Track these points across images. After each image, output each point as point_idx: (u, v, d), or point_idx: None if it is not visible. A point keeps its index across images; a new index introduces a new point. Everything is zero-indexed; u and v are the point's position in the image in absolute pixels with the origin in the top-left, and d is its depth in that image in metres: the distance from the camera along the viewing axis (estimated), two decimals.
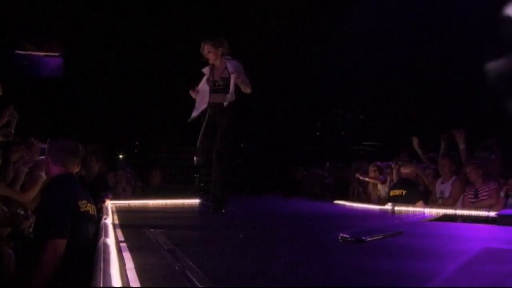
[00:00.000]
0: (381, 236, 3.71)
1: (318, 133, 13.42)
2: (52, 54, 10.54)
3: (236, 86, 5.69)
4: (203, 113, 5.87)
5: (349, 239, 3.50)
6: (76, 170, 4.03)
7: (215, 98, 5.80)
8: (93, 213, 3.88)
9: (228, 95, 5.65)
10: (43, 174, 4.66)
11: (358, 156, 11.51)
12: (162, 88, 11.15)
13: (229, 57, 5.79)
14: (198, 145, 5.91)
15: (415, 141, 7.24)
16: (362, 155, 11.84)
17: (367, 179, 7.78)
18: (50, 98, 10.14)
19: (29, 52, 10.41)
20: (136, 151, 11.47)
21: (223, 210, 5.62)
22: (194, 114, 5.96)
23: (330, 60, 10.47)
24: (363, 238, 3.51)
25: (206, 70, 5.90)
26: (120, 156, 9.69)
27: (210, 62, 5.79)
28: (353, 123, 13.86)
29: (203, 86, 5.94)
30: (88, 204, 3.81)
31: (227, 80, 5.69)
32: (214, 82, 5.77)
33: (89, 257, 3.36)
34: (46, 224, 3.61)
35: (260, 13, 10.67)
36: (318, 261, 3.04)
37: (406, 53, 11.42)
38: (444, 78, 11.12)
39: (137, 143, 11.68)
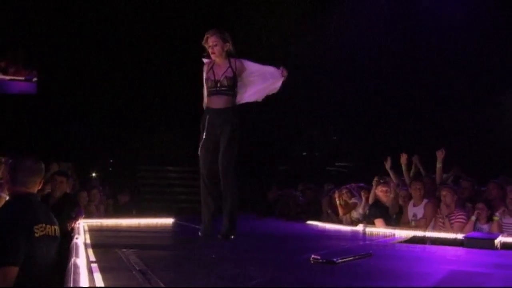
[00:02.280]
0: (351, 258, 3.74)
1: (292, 154, 13.47)
2: (20, 78, 10.40)
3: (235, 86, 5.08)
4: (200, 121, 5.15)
5: (321, 260, 3.51)
6: (37, 189, 3.85)
7: (216, 102, 5.04)
8: (53, 234, 3.70)
9: (237, 97, 5.07)
10: (3, 195, 4.39)
11: (331, 176, 11.61)
12: (136, 108, 11.11)
13: (233, 57, 5.13)
14: (202, 170, 5.12)
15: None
16: (335, 175, 11.94)
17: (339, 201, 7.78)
18: (22, 115, 10.01)
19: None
20: (110, 169, 11.34)
21: (232, 237, 5.00)
22: None
23: (304, 83, 10.57)
24: (334, 259, 3.53)
25: (207, 66, 5.17)
26: (93, 174, 9.58)
27: (214, 57, 5.07)
28: (326, 145, 13.96)
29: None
30: (47, 226, 3.63)
31: (232, 80, 5.00)
32: (216, 82, 5.02)
33: (48, 280, 3.31)
34: None
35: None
36: (290, 283, 3.04)
37: (378, 78, 11.62)
38: (414, 102, 11.32)
39: (111, 161, 11.56)
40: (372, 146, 11.67)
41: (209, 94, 5.10)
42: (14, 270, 3.38)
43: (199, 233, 5.17)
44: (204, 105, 5.22)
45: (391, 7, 11.65)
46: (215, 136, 5.03)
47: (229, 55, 5.09)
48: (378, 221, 6.57)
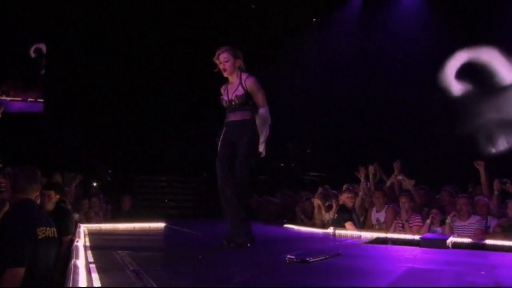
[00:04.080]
0: (323, 258, 3.73)
1: (271, 165, 13.46)
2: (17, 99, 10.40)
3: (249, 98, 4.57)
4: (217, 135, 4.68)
5: (295, 260, 3.51)
6: (35, 195, 3.75)
7: (232, 117, 4.61)
8: (53, 235, 3.61)
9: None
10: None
11: (305, 184, 11.63)
12: (133, 124, 11.06)
13: (244, 73, 4.61)
14: (219, 175, 4.53)
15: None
16: (309, 184, 11.94)
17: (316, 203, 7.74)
18: (29, 130, 9.92)
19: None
20: (109, 179, 11.22)
21: (248, 245, 4.47)
22: None
23: (282, 105, 10.62)
24: (307, 259, 3.52)
25: (223, 89, 4.71)
26: (94, 184, 9.46)
27: (225, 74, 4.59)
28: (301, 156, 13.98)
29: None
30: (48, 229, 3.54)
31: (242, 98, 4.51)
32: (230, 102, 4.58)
33: (49, 281, 3.23)
34: (5, 252, 3.31)
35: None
36: (267, 281, 3.02)
37: (347, 100, 11.74)
38: (377, 119, 11.44)
39: (110, 171, 11.43)
40: (341, 158, 11.74)
41: (227, 112, 4.67)
42: (21, 271, 3.31)
43: (224, 241, 4.54)
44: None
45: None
46: (231, 148, 4.54)
47: (240, 72, 4.60)
48: (348, 224, 6.57)
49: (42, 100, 10.43)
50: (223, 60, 4.55)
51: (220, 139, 4.61)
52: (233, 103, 4.55)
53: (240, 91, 4.53)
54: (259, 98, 4.55)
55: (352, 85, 11.86)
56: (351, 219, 6.66)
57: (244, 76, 4.55)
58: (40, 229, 3.50)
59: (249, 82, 4.52)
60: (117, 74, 10.76)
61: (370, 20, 11.90)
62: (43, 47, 10.56)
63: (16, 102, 10.26)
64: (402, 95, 10.85)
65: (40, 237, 3.47)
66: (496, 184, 6.26)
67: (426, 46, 10.88)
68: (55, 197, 5.27)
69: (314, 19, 12.76)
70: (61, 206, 5.52)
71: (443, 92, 10.43)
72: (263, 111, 4.59)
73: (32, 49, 10.51)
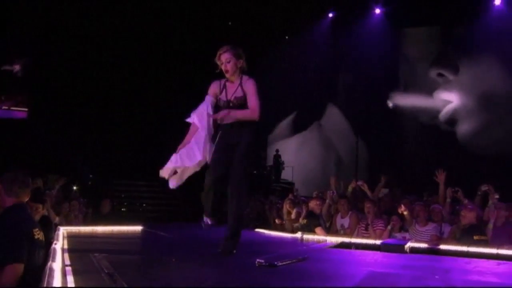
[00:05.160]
0: (290, 261, 3.71)
1: None
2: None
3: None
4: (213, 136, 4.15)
5: (264, 263, 3.47)
6: (26, 200, 3.65)
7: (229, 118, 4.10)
8: (42, 238, 3.55)
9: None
10: None
11: (276, 191, 11.63)
12: (112, 131, 10.93)
13: (245, 75, 4.16)
14: (207, 181, 4.03)
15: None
16: (279, 190, 11.95)
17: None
18: (14, 136, 9.71)
19: None
20: (89, 183, 10.99)
21: (234, 251, 4.07)
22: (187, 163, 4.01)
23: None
24: (275, 263, 3.49)
25: (214, 87, 4.19)
26: (75, 188, 9.24)
27: (227, 75, 4.12)
28: (274, 164, 14.00)
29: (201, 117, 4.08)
30: (40, 232, 3.48)
31: (241, 100, 4.06)
32: (228, 103, 4.09)
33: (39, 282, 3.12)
34: (5, 249, 3.24)
35: None
36: (238, 283, 2.99)
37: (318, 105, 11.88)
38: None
39: (91, 176, 11.22)
40: (309, 166, 11.82)
41: None
42: (21, 267, 3.23)
43: (202, 225, 4.18)
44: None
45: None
46: (228, 153, 4.05)
47: (242, 72, 4.16)
48: (318, 229, 6.53)
49: (26, 109, 10.32)
50: (225, 60, 4.09)
51: (215, 142, 4.11)
52: (231, 104, 4.09)
53: (240, 93, 4.08)
54: (252, 101, 4.05)
55: (321, 97, 12.01)
56: (320, 225, 6.65)
57: (245, 78, 4.13)
58: (35, 230, 3.44)
59: (248, 84, 4.09)
60: (98, 83, 10.67)
61: (337, 38, 12.09)
62: (26, 62, 10.44)
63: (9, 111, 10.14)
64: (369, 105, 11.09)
65: (35, 237, 3.41)
66: (448, 192, 6.37)
67: (387, 59, 11.18)
68: (42, 210, 5.13)
69: (286, 37, 12.88)
70: (45, 216, 5.41)
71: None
72: (250, 111, 4.06)
73: (16, 65, 10.41)
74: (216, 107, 4.17)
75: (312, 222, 6.62)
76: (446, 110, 11.52)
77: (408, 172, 10.39)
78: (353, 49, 11.70)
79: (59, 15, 10.18)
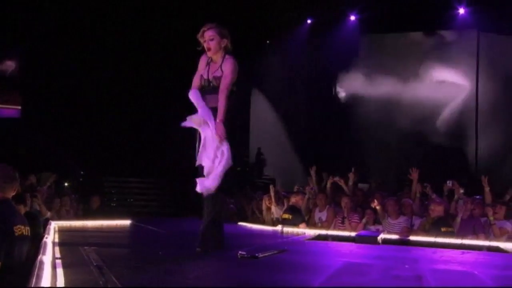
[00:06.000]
0: (270, 253, 3.71)
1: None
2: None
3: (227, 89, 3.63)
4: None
5: (246, 255, 3.46)
6: (12, 195, 3.46)
7: (209, 101, 3.67)
8: (27, 234, 3.34)
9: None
10: None
11: (258, 186, 11.64)
12: (104, 129, 10.79)
13: (229, 55, 3.73)
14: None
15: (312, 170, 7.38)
16: (262, 185, 11.95)
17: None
18: (7, 133, 9.53)
19: None
20: (80, 179, 10.84)
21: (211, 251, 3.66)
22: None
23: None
24: (257, 254, 3.49)
25: (202, 62, 3.81)
26: (66, 184, 9.09)
27: (209, 54, 3.71)
28: (257, 161, 14.00)
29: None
30: (22, 227, 3.28)
31: (220, 80, 3.65)
32: (209, 82, 3.70)
33: (22, 276, 3.04)
34: None
35: None
36: (220, 275, 2.98)
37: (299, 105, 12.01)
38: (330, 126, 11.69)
39: (82, 172, 11.07)
40: (290, 162, 11.90)
41: (203, 93, 3.72)
42: None
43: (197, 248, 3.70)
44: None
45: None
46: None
47: (225, 53, 3.73)
48: (303, 225, 6.47)
49: (19, 107, 10.11)
50: (208, 38, 3.67)
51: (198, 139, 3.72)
52: (211, 84, 3.69)
53: (219, 73, 3.67)
54: (223, 83, 3.62)
55: (302, 98, 12.08)
56: (304, 221, 6.62)
57: (226, 57, 3.70)
58: (16, 227, 3.26)
59: (226, 63, 3.66)
60: (89, 82, 10.54)
61: (315, 43, 12.16)
62: (16, 62, 10.29)
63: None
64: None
65: (16, 234, 3.24)
66: (418, 187, 6.44)
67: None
68: (23, 209, 4.98)
69: (267, 41, 12.89)
70: (28, 211, 5.25)
71: None
72: (224, 95, 3.61)
73: (7, 64, 10.25)
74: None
75: (297, 218, 6.58)
76: None
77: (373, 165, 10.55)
78: (326, 53, 11.83)
79: (53, 13, 9.99)
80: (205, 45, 3.71)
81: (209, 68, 3.75)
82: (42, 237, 4.24)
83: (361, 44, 11.92)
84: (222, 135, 3.57)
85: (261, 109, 12.65)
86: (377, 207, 6.04)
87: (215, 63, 3.74)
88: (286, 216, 6.71)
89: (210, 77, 3.71)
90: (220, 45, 3.70)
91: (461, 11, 10.52)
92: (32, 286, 2.06)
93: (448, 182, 6.29)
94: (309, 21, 12.11)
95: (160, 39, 10.71)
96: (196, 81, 3.81)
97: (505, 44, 10.47)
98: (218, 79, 3.67)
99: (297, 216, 6.64)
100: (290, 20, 11.72)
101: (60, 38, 10.18)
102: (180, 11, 10.44)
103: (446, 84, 11.31)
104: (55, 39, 10.14)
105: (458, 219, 5.66)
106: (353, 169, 7.09)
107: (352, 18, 11.58)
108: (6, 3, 9.58)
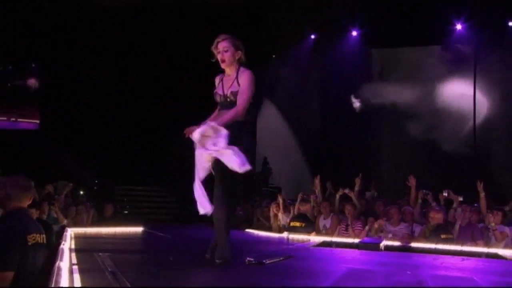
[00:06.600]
0: (277, 259, 3.70)
1: None
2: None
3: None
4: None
5: (253, 262, 3.45)
6: (28, 204, 3.43)
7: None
8: (42, 241, 3.30)
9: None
10: None
11: (264, 194, 11.61)
12: (117, 142, 10.90)
13: (242, 67, 3.46)
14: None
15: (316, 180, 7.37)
16: (267, 194, 11.93)
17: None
18: (26, 144, 9.64)
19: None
20: (95, 188, 10.92)
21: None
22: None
23: None
24: (264, 261, 3.47)
25: (217, 80, 3.56)
26: (81, 192, 9.14)
27: (223, 66, 3.46)
28: (263, 170, 14.01)
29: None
30: (37, 236, 3.24)
31: (237, 95, 3.36)
32: (225, 98, 3.42)
33: (36, 284, 3.04)
34: None
35: None
36: (228, 280, 2.97)
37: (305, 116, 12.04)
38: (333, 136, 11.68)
39: (96, 181, 11.15)
40: (296, 172, 11.86)
41: (220, 109, 3.49)
42: (10, 275, 3.06)
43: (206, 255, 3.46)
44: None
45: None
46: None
47: (239, 65, 3.48)
48: (313, 234, 6.36)
49: (38, 121, 10.33)
50: (222, 49, 3.43)
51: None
52: (228, 99, 3.40)
53: (236, 87, 3.38)
54: (240, 98, 3.33)
55: (307, 110, 12.10)
56: (314, 230, 6.55)
57: (241, 70, 3.43)
58: (30, 236, 3.23)
59: (243, 76, 3.39)
60: (102, 97, 10.69)
61: (319, 57, 12.21)
62: (37, 79, 10.48)
63: (17, 122, 10.19)
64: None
65: (30, 244, 3.21)
66: (420, 194, 6.39)
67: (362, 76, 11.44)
68: (35, 213, 4.96)
69: (273, 56, 12.95)
70: (42, 220, 5.22)
71: None
72: (233, 110, 3.33)
73: (30, 81, 10.47)
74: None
75: (309, 226, 6.50)
76: None
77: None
78: (329, 67, 11.87)
79: (70, 29, 10.16)
80: (219, 57, 3.46)
81: (222, 83, 3.48)
82: (57, 244, 4.25)
83: (366, 57, 11.93)
84: (215, 124, 3.22)
85: (268, 119, 12.64)
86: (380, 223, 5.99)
87: (229, 77, 3.47)
88: (297, 224, 6.59)
89: (227, 93, 3.41)
90: (234, 57, 3.45)
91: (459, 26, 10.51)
92: None
93: (444, 192, 6.27)
94: (312, 37, 12.16)
95: (175, 55, 10.80)
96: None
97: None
98: (236, 93, 3.37)
99: (309, 224, 6.59)
100: (293, 36, 11.77)
101: (76, 53, 10.34)
102: (186, 28, 10.52)
103: (463, 97, 11.09)
104: (72, 54, 10.30)
105: (457, 226, 5.62)
106: (360, 175, 7.07)
107: (354, 33, 11.62)
108: (24, 22, 9.75)
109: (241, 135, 3.33)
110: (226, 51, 3.42)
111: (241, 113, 3.33)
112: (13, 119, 10.13)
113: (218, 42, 3.46)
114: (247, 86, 3.37)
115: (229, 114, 3.32)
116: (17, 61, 10.16)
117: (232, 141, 3.19)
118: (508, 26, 10.01)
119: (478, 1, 9.55)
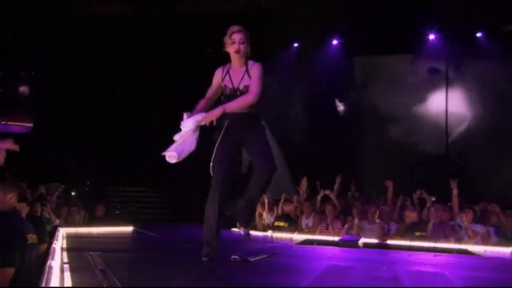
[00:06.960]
0: (261, 257, 3.70)
1: None
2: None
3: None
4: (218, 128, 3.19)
5: (238, 259, 3.45)
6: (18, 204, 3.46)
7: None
8: (36, 242, 3.33)
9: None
10: None
11: None
12: (108, 143, 10.77)
13: (251, 60, 3.29)
14: (218, 178, 3.19)
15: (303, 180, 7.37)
16: None
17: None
18: (21, 149, 9.50)
19: None
20: (87, 189, 10.78)
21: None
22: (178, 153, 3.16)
23: None
24: (248, 259, 3.48)
25: (217, 75, 3.34)
26: (73, 193, 9.01)
27: (237, 56, 3.24)
28: (248, 171, 14.02)
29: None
30: (33, 236, 3.27)
31: (249, 87, 3.19)
32: (235, 91, 3.23)
33: (32, 281, 3.00)
34: None
35: None
36: (215, 278, 2.97)
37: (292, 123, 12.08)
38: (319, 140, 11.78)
39: (88, 183, 11.01)
40: (279, 174, 11.86)
41: (227, 101, 3.25)
42: (11, 271, 3.04)
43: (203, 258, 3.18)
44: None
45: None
46: (235, 142, 3.23)
47: (247, 59, 3.30)
48: (296, 234, 6.38)
49: (31, 125, 10.19)
50: (239, 40, 3.22)
51: (221, 134, 3.17)
52: (238, 92, 3.22)
53: (248, 81, 3.21)
54: (253, 86, 3.16)
55: (290, 115, 12.13)
56: (297, 229, 6.56)
57: (250, 63, 3.27)
58: (29, 235, 3.24)
59: (253, 69, 3.22)
60: (93, 99, 10.58)
61: (302, 64, 12.27)
62: (29, 86, 10.41)
63: (9, 126, 10.04)
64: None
65: (29, 243, 3.21)
66: (414, 195, 6.36)
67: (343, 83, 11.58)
68: (26, 208, 4.89)
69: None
70: (34, 216, 5.15)
71: None
72: (248, 95, 3.17)
73: (22, 89, 10.34)
74: (217, 99, 3.37)
75: (292, 226, 6.52)
76: None
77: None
78: (311, 73, 11.94)
79: (64, 34, 10.02)
80: (234, 47, 3.23)
81: (230, 76, 3.27)
82: (50, 244, 4.19)
83: (348, 65, 12.03)
84: (208, 115, 3.14)
85: None
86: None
87: (238, 70, 3.26)
88: (281, 223, 6.60)
89: (240, 86, 3.22)
90: (247, 49, 3.27)
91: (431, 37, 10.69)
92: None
93: (417, 191, 6.35)
94: (295, 45, 12.22)
95: (165, 60, 10.72)
96: (208, 94, 3.37)
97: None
98: (248, 87, 3.20)
99: (292, 223, 6.60)
100: (277, 44, 11.81)
101: (67, 57, 10.22)
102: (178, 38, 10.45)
103: (436, 102, 11.20)
104: (64, 58, 10.18)
105: (430, 224, 5.70)
106: (340, 175, 7.11)
107: (335, 42, 11.73)
108: (16, 29, 9.59)
109: (256, 122, 3.24)
110: (242, 43, 3.23)
111: (252, 101, 3.17)
112: (4, 122, 9.96)
113: (233, 32, 3.26)
114: (258, 76, 3.21)
115: (240, 99, 3.17)
116: (9, 68, 9.99)
117: (244, 133, 3.19)
118: (476, 36, 10.27)
119: (448, 14, 9.75)
